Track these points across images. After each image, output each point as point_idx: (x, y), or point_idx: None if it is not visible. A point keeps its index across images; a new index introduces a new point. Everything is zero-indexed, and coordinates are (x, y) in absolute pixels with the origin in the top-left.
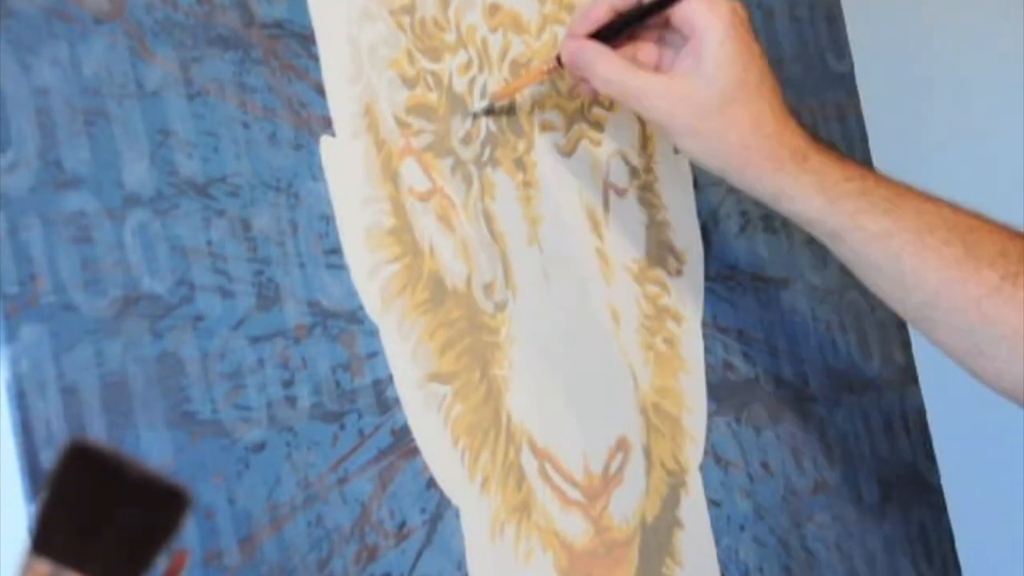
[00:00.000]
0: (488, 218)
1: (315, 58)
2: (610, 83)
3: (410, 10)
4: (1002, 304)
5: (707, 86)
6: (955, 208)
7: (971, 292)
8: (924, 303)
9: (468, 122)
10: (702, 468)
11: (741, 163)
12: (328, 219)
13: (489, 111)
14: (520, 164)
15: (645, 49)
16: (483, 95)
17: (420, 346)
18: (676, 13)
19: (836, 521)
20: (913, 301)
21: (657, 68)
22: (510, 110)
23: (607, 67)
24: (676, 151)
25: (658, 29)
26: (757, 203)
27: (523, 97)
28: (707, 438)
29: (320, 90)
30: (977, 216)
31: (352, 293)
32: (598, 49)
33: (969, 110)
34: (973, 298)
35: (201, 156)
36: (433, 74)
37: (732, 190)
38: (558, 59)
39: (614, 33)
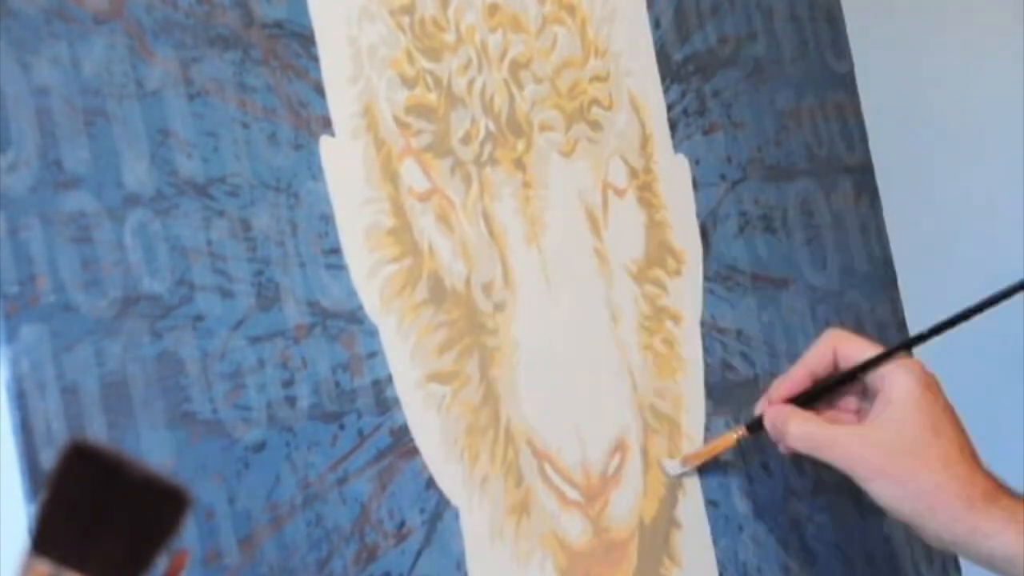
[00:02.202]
0: (487, 218)
1: (315, 58)
2: (801, 437)
3: (410, 10)
4: None
5: (897, 429)
6: None
7: None
8: None
9: (467, 122)
10: (700, 468)
11: (933, 502)
12: (328, 219)
13: (682, 473)
14: (519, 164)
15: (846, 403)
16: (677, 460)
17: (419, 346)
18: (870, 374)
19: (835, 521)
20: None
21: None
22: None
23: (798, 424)
24: (676, 158)
25: (859, 387)
26: (757, 202)
27: (522, 98)
28: (706, 439)
29: (320, 90)
30: None
31: (352, 293)
32: (791, 410)
33: (969, 110)
34: None
35: (201, 156)
36: (432, 74)
37: (731, 190)
38: (747, 427)
39: (811, 399)
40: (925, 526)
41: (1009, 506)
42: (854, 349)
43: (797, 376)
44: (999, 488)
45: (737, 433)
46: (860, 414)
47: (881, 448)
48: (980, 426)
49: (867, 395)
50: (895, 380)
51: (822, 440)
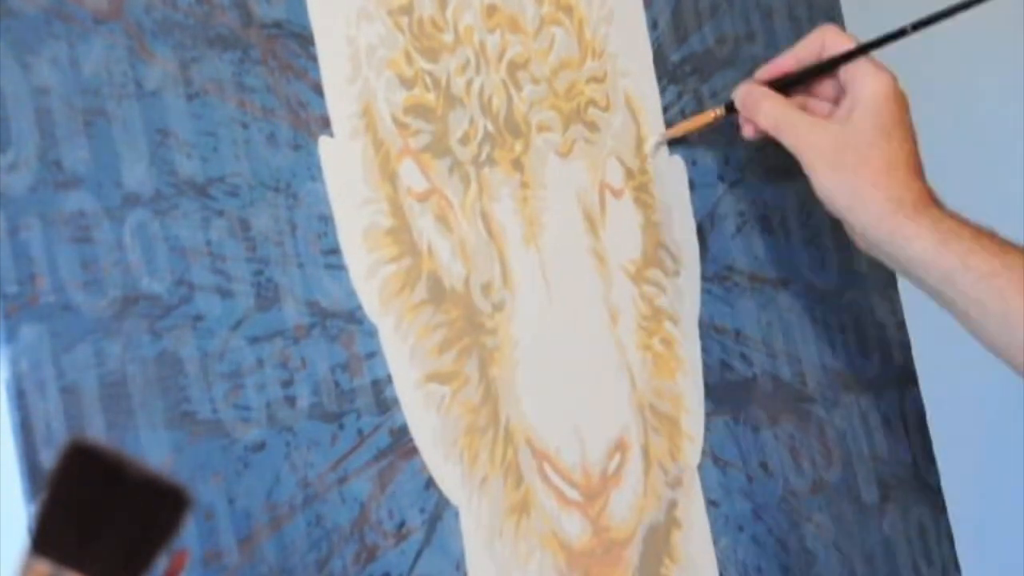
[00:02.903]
0: (486, 218)
1: (314, 58)
2: (769, 117)
3: (408, 10)
4: None
5: (854, 126)
6: None
7: None
8: None
9: (466, 122)
10: (700, 468)
11: (866, 199)
12: (327, 219)
13: (660, 143)
14: (517, 164)
15: (823, 93)
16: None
17: (418, 346)
18: (846, 71)
19: (835, 521)
20: (1020, 339)
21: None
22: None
23: (770, 104)
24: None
25: (835, 86)
26: (754, 202)
27: (520, 99)
28: (705, 438)
29: (319, 90)
30: None
31: (351, 293)
32: (765, 91)
33: (969, 110)
34: None
35: (200, 156)
36: (431, 74)
37: (729, 189)
38: (725, 107)
39: (790, 85)
40: (855, 222)
41: (936, 216)
42: (840, 43)
43: (783, 62)
44: (932, 201)
45: (715, 112)
46: (832, 116)
47: (833, 139)
48: (980, 425)
49: (842, 96)
50: (866, 83)
51: (785, 122)
